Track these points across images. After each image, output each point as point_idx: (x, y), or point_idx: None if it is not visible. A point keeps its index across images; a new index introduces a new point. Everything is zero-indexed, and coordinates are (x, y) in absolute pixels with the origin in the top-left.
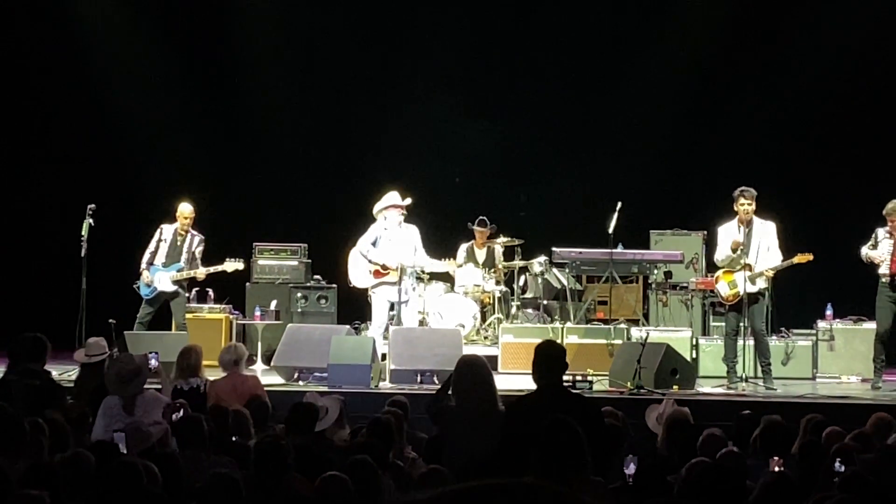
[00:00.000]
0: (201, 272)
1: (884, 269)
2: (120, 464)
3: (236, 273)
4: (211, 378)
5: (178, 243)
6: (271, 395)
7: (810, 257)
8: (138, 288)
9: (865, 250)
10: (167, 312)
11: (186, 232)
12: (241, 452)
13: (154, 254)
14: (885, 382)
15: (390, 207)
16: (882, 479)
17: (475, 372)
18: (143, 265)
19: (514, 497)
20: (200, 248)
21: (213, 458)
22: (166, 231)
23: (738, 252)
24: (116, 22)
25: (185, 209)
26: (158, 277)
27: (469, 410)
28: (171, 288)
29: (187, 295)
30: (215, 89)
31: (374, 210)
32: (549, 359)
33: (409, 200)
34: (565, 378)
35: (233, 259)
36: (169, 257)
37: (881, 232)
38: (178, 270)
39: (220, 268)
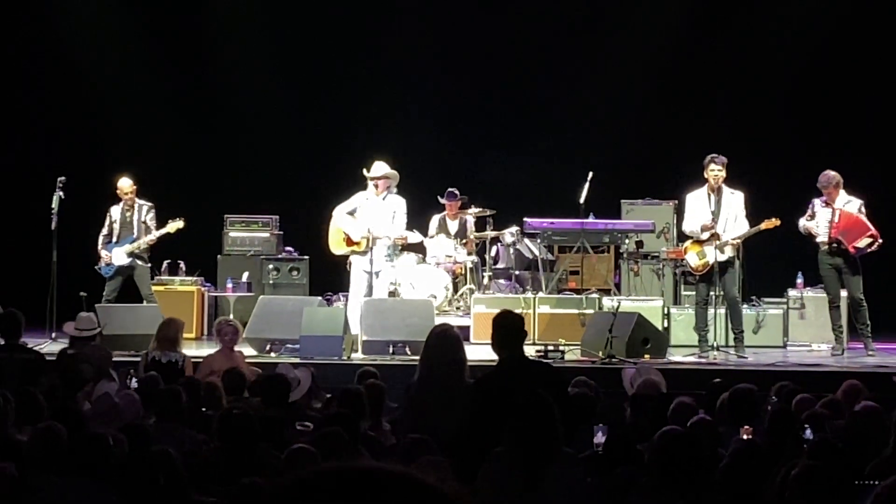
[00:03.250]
0: (148, 238)
1: (822, 238)
2: (88, 435)
3: (179, 232)
4: (187, 352)
5: (128, 218)
6: None
7: (777, 223)
8: (100, 269)
9: (803, 222)
10: (136, 288)
11: (132, 205)
12: (210, 424)
13: (108, 235)
14: (851, 350)
15: (371, 179)
16: (851, 446)
17: (444, 344)
18: (100, 246)
19: (372, 483)
20: (151, 216)
21: (185, 430)
22: (115, 211)
23: (708, 234)
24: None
25: (123, 185)
26: (114, 254)
27: (435, 383)
28: (127, 261)
29: (149, 265)
30: (186, 61)
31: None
32: (507, 329)
33: (379, 172)
34: (538, 348)
35: (174, 219)
36: (122, 234)
37: (818, 202)
38: (131, 242)
39: (164, 230)
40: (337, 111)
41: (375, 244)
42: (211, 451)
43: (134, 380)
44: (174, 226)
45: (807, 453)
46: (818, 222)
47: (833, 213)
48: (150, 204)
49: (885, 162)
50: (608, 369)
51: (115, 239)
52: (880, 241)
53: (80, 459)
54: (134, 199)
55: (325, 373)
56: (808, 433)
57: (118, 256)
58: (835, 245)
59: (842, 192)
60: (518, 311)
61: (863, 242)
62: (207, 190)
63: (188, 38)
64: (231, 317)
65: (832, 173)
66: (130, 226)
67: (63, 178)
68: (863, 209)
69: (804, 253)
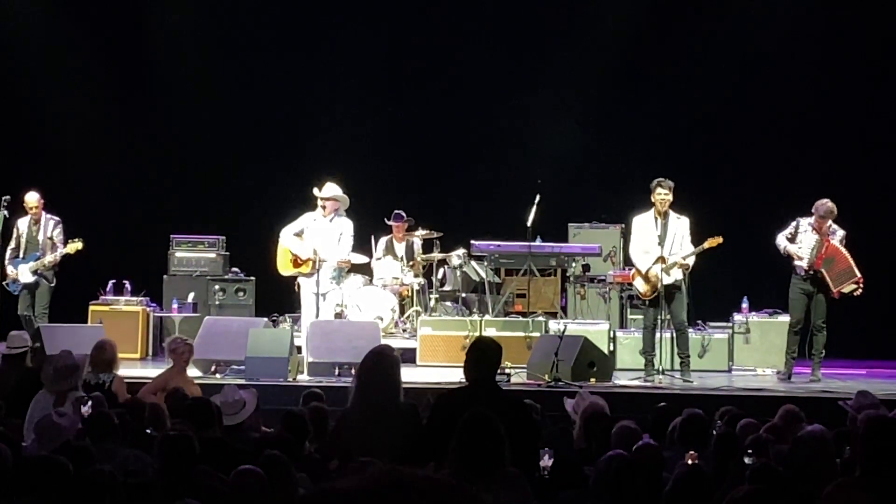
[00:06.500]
0: (51, 258)
1: (802, 264)
2: (30, 459)
3: (77, 253)
4: (122, 373)
5: (35, 233)
6: None
7: (720, 240)
8: (7, 286)
9: (784, 242)
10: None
11: (38, 220)
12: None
13: (16, 249)
14: (796, 375)
15: (321, 199)
16: (792, 470)
17: (380, 363)
18: (7, 261)
19: (432, 492)
20: (58, 231)
21: (126, 450)
22: (21, 225)
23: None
24: (29, 10)
25: (29, 199)
26: (20, 270)
27: (369, 403)
28: (32, 279)
29: (52, 284)
30: (131, 80)
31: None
32: (483, 355)
33: (328, 193)
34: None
35: (73, 240)
36: (28, 249)
37: (804, 223)
38: (36, 259)
39: (64, 251)
40: (284, 132)
41: (321, 266)
42: (153, 472)
43: (89, 404)
44: (73, 247)
45: (748, 478)
46: (802, 245)
47: (822, 244)
48: (57, 219)
49: (830, 185)
50: (554, 393)
51: (21, 254)
52: (862, 287)
53: (25, 481)
54: (40, 214)
55: (270, 394)
56: (751, 458)
57: (23, 274)
58: (811, 272)
59: (830, 220)
60: (464, 333)
61: (848, 289)
62: (153, 210)
63: (133, 58)
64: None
65: (831, 204)
66: (36, 241)
67: (7, 197)
68: (844, 240)
69: (750, 277)
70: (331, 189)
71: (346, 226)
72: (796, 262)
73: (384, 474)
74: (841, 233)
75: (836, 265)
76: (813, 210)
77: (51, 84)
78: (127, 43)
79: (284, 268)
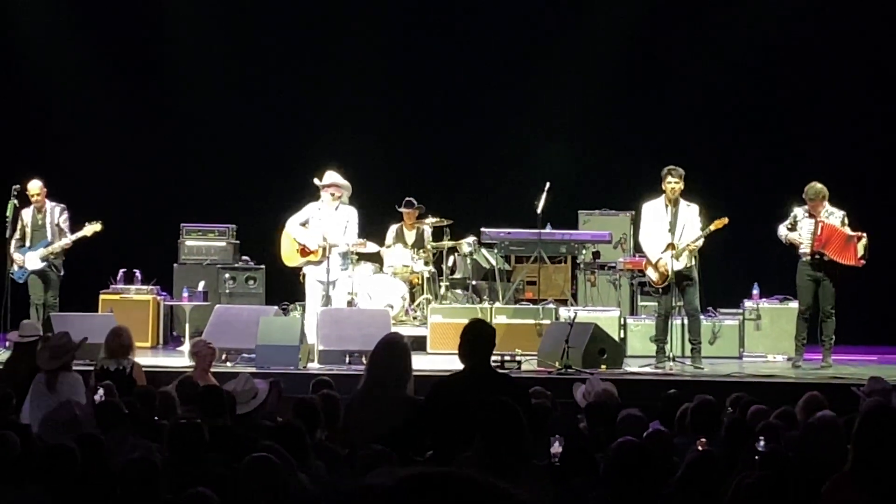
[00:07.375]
0: (64, 242)
1: (805, 249)
2: (41, 447)
3: (96, 235)
4: (138, 360)
5: (40, 221)
6: None
7: (726, 221)
8: (13, 274)
9: (784, 231)
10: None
11: (42, 207)
12: (163, 433)
13: (21, 239)
14: (806, 361)
15: (322, 187)
16: (803, 457)
17: (389, 352)
18: (12, 251)
19: (472, 489)
20: (64, 217)
21: (136, 439)
22: (26, 215)
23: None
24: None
25: (32, 187)
26: (28, 257)
27: (374, 391)
28: (39, 265)
29: (61, 273)
30: (141, 67)
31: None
32: (477, 338)
33: (328, 181)
34: (494, 358)
35: (91, 222)
36: (35, 238)
37: (800, 212)
38: (46, 246)
39: (80, 234)
40: (293, 120)
41: (331, 253)
42: (162, 460)
43: (100, 391)
44: (91, 228)
45: (759, 464)
46: (801, 233)
47: (817, 226)
48: (62, 206)
49: (839, 170)
50: (564, 380)
51: (28, 243)
52: (864, 236)
53: (36, 469)
54: (44, 202)
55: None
56: (762, 444)
57: (31, 261)
58: (817, 257)
59: (825, 203)
60: None
61: (861, 249)
62: (164, 199)
63: (142, 47)
64: (187, 326)
65: (819, 186)
66: (43, 229)
67: (17, 186)
68: (845, 220)
69: (760, 264)
70: (331, 176)
71: (352, 214)
72: (801, 250)
73: (418, 472)
74: (840, 213)
75: (835, 242)
76: (803, 196)
77: (59, 73)
78: (137, 32)
79: (291, 259)
